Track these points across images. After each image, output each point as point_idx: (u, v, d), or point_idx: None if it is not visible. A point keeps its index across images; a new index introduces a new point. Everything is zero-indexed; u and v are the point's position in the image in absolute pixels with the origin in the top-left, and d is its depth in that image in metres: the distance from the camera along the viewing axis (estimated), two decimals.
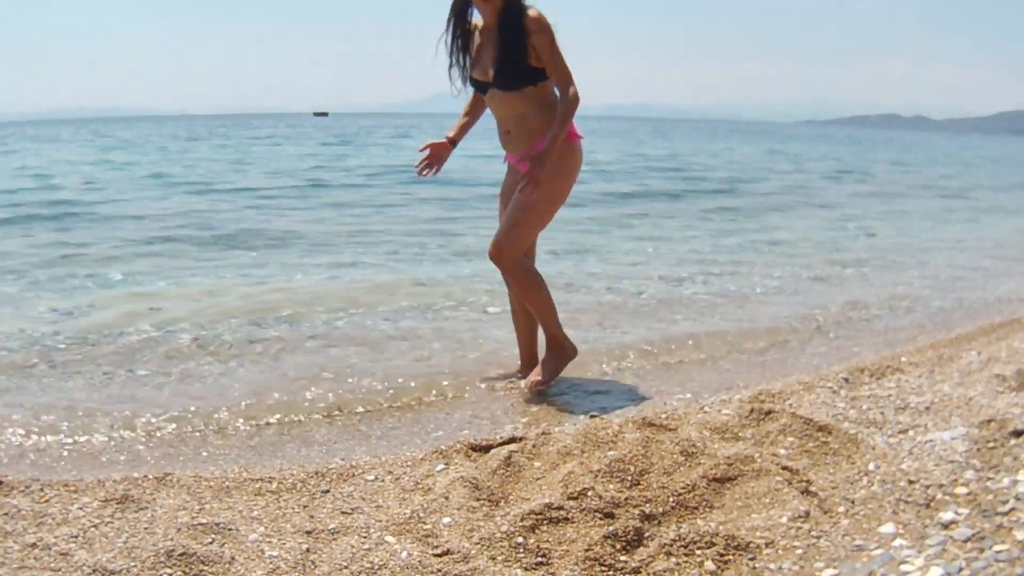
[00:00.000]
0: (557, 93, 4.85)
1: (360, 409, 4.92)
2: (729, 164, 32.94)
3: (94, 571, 2.74)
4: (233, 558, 2.88)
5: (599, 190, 19.23)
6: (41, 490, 3.43)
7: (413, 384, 5.29)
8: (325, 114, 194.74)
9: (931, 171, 34.63)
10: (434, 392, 5.20)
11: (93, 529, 3.07)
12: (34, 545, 2.91)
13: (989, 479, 2.92)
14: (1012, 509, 2.66)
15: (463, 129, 5.21)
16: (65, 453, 4.23)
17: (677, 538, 2.86)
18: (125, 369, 5.59)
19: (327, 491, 3.54)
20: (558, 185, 4.90)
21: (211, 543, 2.97)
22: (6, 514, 3.15)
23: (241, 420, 4.71)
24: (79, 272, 9.00)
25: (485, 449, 3.84)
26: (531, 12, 4.72)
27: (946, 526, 2.69)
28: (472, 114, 5.23)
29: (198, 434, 4.52)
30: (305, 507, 3.38)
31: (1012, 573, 2.30)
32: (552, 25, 4.71)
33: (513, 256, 4.93)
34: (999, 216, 17.19)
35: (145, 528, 3.07)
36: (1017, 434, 3.23)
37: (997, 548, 2.45)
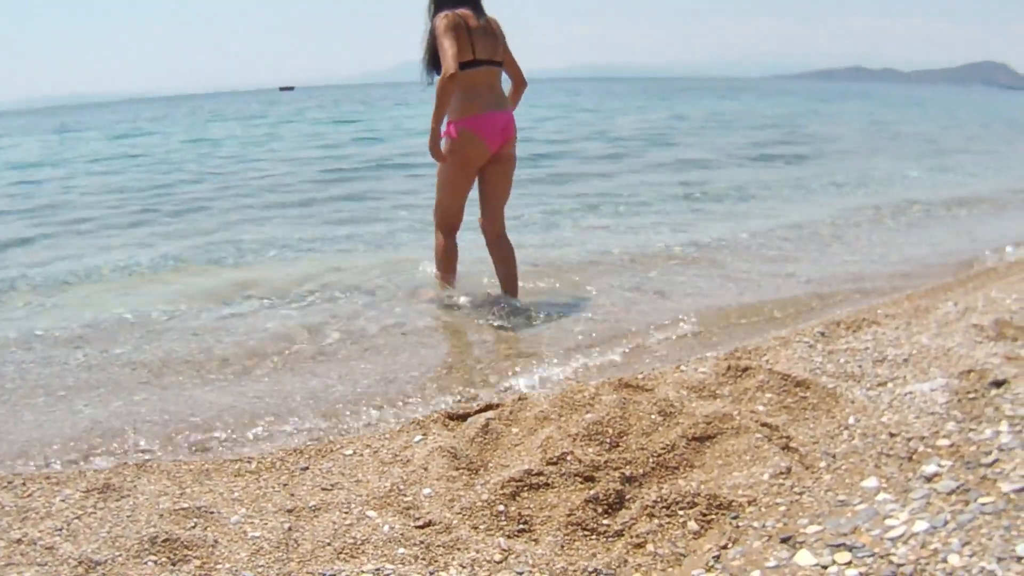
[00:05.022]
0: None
1: (334, 376, 4.92)
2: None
3: (80, 563, 2.71)
4: (216, 541, 2.85)
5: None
6: (23, 484, 3.41)
7: (384, 347, 5.36)
8: (291, 88, 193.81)
9: None
10: (406, 354, 5.24)
11: (76, 521, 3.04)
12: (20, 541, 2.87)
13: (971, 430, 2.92)
14: (996, 460, 2.65)
15: None
16: (47, 445, 4.16)
17: (659, 499, 2.84)
18: (103, 345, 5.59)
19: (306, 468, 3.51)
20: None
21: (194, 527, 2.95)
22: None
23: (216, 394, 4.70)
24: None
25: (462, 417, 3.83)
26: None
27: (929, 479, 2.68)
28: None
29: (174, 409, 4.48)
30: (285, 485, 3.35)
31: (998, 525, 2.29)
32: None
33: None
34: None
35: (128, 516, 3.05)
36: (997, 384, 3.22)
37: (982, 500, 2.44)
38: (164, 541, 2.80)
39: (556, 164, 16.50)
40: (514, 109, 6.13)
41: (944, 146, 21.18)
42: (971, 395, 3.18)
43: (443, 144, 5.85)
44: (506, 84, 6.15)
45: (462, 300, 6.18)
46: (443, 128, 5.82)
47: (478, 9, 5.87)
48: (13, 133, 44.92)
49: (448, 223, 6.18)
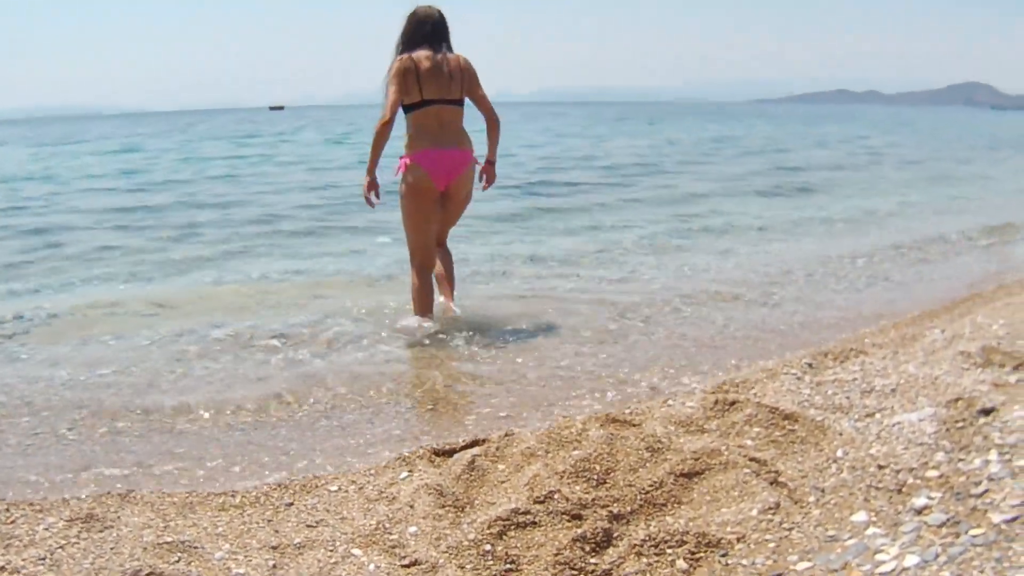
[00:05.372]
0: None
1: (319, 410, 4.91)
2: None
3: None
4: None
5: None
6: (7, 510, 3.39)
7: (368, 382, 5.33)
8: (281, 108, 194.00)
9: None
10: (391, 388, 5.23)
11: (60, 550, 3.01)
12: (3, 569, 2.85)
13: (960, 460, 2.89)
14: (986, 491, 2.63)
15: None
16: (30, 470, 4.13)
17: (647, 538, 2.82)
18: (87, 370, 5.58)
19: (291, 504, 3.48)
20: None
21: (177, 562, 2.92)
22: None
23: (200, 424, 4.69)
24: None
25: (448, 453, 3.79)
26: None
27: (919, 511, 2.65)
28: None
29: (158, 439, 4.48)
30: (269, 521, 3.32)
31: (990, 557, 2.26)
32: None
33: None
34: None
35: (111, 548, 3.02)
36: (986, 412, 3.20)
37: (973, 532, 2.42)
38: (148, 575, 2.78)
39: (547, 192, 16.57)
40: (495, 146, 6.39)
41: (937, 170, 21.37)
42: (960, 424, 3.16)
43: (398, 180, 6.26)
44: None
45: (446, 335, 6.17)
46: (398, 164, 6.21)
47: (438, 48, 6.09)
48: (6, 142, 45.08)
49: (419, 261, 6.43)
